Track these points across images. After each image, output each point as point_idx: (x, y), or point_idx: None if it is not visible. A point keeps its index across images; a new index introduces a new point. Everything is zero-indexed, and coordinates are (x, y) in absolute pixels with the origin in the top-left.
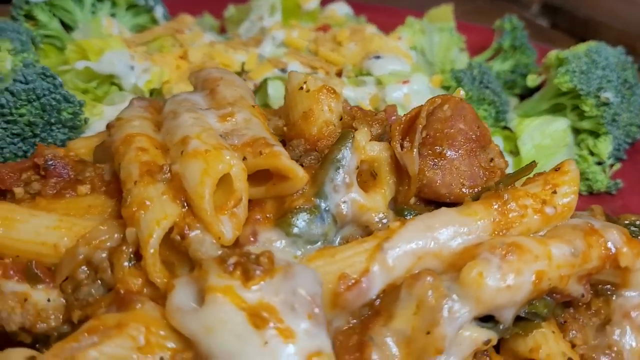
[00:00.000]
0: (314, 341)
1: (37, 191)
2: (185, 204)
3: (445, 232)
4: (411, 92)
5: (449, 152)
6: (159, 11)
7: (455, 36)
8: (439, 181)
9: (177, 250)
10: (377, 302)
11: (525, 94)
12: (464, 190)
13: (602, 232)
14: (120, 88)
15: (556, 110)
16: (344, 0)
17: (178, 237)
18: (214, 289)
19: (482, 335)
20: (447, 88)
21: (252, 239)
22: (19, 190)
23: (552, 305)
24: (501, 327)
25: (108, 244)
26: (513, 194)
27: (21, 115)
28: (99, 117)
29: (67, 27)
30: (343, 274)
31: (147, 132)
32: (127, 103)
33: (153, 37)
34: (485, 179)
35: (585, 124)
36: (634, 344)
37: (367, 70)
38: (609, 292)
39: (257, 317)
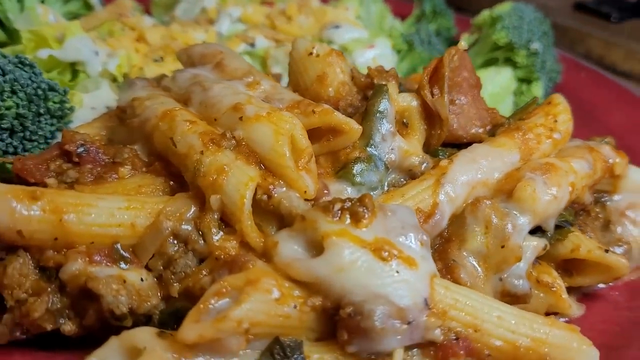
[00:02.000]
0: (429, 264)
1: (75, 179)
2: (262, 166)
3: (487, 163)
4: (377, 56)
5: (459, 99)
6: None
7: (384, 5)
8: (455, 125)
9: (262, 210)
10: (445, 232)
11: None
12: (478, 130)
13: (598, 149)
14: (85, 75)
15: (490, 63)
16: None
17: (265, 197)
18: (330, 233)
19: (540, 243)
20: (399, 51)
21: (325, 191)
22: (52, 181)
23: (573, 213)
24: (548, 234)
25: (187, 215)
26: (528, 126)
27: (8, 108)
28: (79, 105)
29: None
30: (418, 209)
31: (175, 107)
32: (102, 89)
33: (100, 22)
34: (489, 118)
35: (518, 73)
36: (635, 233)
37: (327, 39)
38: (603, 199)
39: (381, 251)
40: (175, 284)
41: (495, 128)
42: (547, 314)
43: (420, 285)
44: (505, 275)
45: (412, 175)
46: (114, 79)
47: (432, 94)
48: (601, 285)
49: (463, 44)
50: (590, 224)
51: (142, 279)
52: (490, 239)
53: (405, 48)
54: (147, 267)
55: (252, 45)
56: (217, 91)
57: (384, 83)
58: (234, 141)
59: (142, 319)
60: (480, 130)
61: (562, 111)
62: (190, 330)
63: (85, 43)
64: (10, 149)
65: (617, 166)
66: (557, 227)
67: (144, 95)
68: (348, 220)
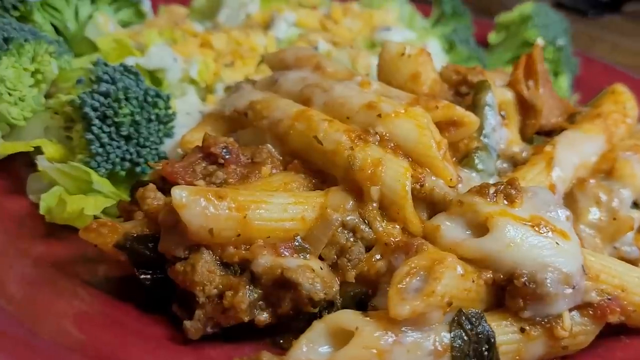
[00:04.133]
0: (576, 236)
1: (223, 180)
2: (408, 158)
3: (583, 148)
4: None
5: (541, 90)
6: (147, 4)
7: (412, 7)
8: None
9: (414, 197)
10: None
11: None
12: (558, 118)
13: None
14: (166, 81)
15: (515, 60)
16: None
17: (418, 185)
18: (493, 214)
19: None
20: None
21: (459, 178)
22: (201, 183)
23: None
24: None
25: (347, 206)
26: (605, 113)
27: (125, 115)
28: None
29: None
30: None
31: (307, 107)
32: (189, 95)
33: (160, 29)
34: (563, 107)
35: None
36: None
37: (380, 41)
38: None
39: (539, 227)
40: (351, 271)
41: (572, 116)
42: None
43: (576, 253)
44: (619, 244)
45: (514, 161)
46: (190, 83)
47: (528, 87)
48: None
49: (540, 41)
50: None
51: (321, 268)
52: (602, 212)
53: (447, 47)
54: (320, 257)
55: (316, 48)
56: (341, 92)
57: (484, 79)
58: (377, 137)
59: (324, 305)
60: (560, 119)
61: (628, 98)
62: (402, 307)
63: (165, 50)
64: (127, 156)
65: None
66: None
67: (261, 98)
68: (505, 202)
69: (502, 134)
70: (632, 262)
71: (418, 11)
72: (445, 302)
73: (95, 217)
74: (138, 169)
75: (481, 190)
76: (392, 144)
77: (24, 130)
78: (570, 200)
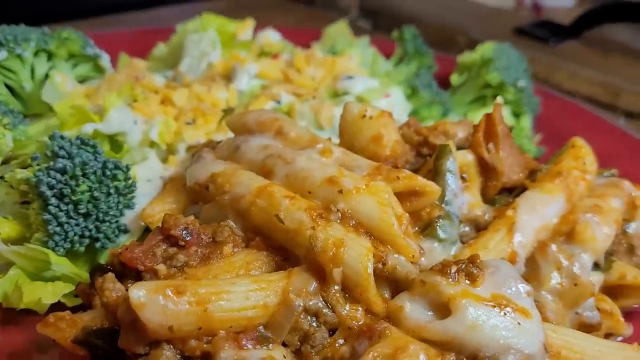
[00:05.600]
0: (537, 312)
1: (184, 263)
2: (370, 236)
3: (544, 210)
4: (392, 104)
5: (502, 153)
6: (105, 59)
7: (375, 50)
8: None
9: (376, 277)
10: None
11: None
12: (519, 175)
13: (621, 184)
14: (127, 145)
15: (478, 101)
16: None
17: (380, 265)
18: (456, 296)
19: (600, 277)
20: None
21: (422, 251)
22: (162, 267)
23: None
24: (602, 268)
25: (310, 289)
26: (566, 171)
27: (82, 193)
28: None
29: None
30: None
31: (269, 182)
32: (151, 160)
33: (119, 85)
34: (524, 164)
35: (508, 108)
36: None
37: (343, 90)
38: (623, 227)
39: (500, 306)
40: (315, 357)
41: (533, 173)
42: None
43: (538, 332)
44: (580, 310)
45: (476, 224)
46: (150, 145)
47: (488, 150)
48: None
49: (500, 100)
50: (617, 250)
51: (284, 356)
52: (563, 278)
53: (409, 92)
54: (283, 342)
55: (279, 102)
56: (303, 164)
57: (446, 143)
58: (339, 214)
59: None
60: (522, 175)
61: (587, 153)
62: None
63: (125, 113)
64: (86, 233)
65: (638, 199)
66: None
67: (222, 170)
68: (466, 281)
69: (464, 198)
70: (594, 326)
71: (380, 52)
72: None
73: None
74: (98, 244)
75: (443, 270)
76: (353, 221)
77: None
78: (531, 265)
